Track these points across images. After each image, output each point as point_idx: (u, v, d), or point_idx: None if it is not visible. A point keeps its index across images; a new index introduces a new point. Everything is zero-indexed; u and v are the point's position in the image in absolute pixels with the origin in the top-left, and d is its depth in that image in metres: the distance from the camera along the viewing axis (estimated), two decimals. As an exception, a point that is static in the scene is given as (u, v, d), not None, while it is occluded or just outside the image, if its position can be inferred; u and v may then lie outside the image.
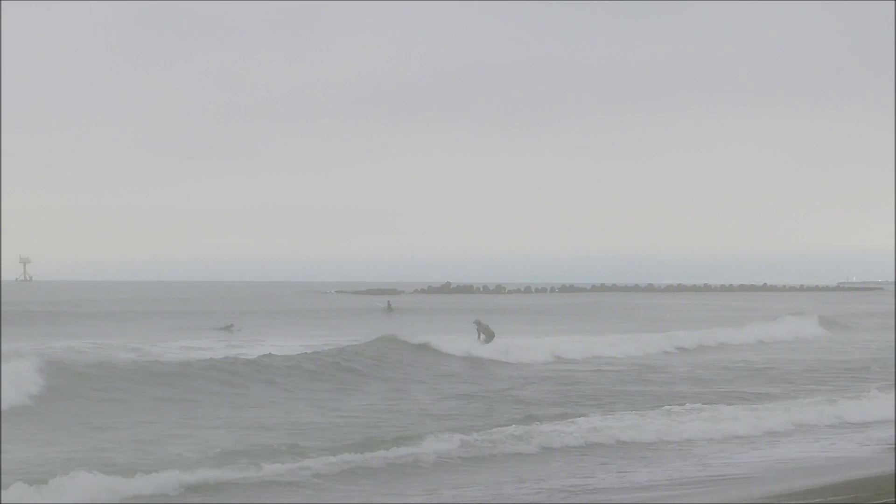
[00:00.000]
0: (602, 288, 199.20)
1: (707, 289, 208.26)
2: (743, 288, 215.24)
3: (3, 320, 59.49)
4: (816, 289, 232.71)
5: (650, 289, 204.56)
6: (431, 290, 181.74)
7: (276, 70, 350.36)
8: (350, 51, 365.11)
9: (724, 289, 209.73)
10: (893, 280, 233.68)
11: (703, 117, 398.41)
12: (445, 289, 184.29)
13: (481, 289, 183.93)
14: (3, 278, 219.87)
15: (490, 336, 42.34)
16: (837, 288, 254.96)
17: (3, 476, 15.44)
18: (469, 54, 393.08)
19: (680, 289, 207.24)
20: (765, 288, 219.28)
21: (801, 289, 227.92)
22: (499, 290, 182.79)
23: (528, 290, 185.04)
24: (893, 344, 48.36)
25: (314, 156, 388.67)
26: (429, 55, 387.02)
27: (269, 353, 35.20)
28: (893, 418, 23.60)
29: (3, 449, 18.32)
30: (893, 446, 19.46)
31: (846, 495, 13.29)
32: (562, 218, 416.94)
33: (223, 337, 58.00)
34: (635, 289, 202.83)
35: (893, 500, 11.90)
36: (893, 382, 31.83)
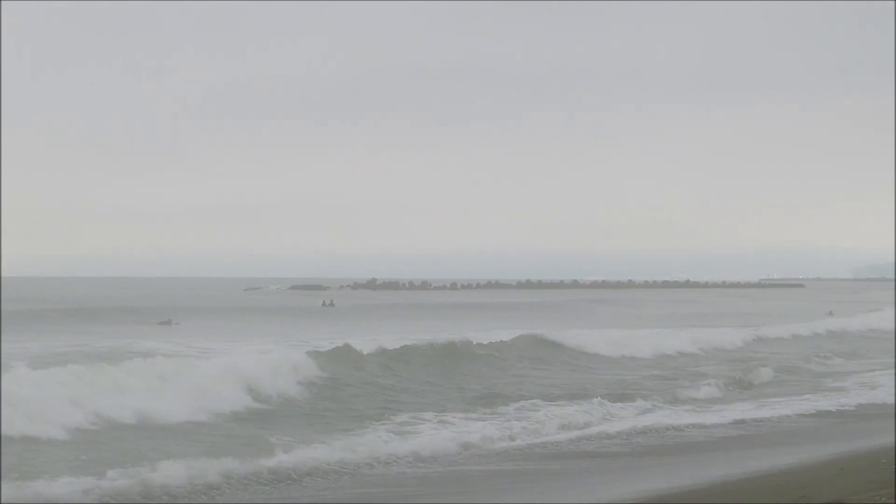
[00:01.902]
0: (528, 284, 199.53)
1: (631, 285, 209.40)
2: (666, 285, 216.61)
3: None
4: (738, 285, 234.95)
5: (575, 285, 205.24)
6: (357, 286, 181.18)
7: (207, 69, 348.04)
8: (278, 50, 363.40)
9: (647, 286, 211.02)
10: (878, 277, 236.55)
11: (630, 117, 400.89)
12: (371, 285, 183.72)
13: (407, 285, 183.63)
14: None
15: None
16: (759, 284, 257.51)
17: None
18: (396, 53, 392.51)
19: (604, 285, 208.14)
20: (688, 285, 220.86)
21: (724, 285, 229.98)
22: (424, 286, 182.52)
23: (453, 286, 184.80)
24: None
25: (243, 153, 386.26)
26: (355, 54, 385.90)
27: (502, 340, 41.13)
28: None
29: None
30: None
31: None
32: (487, 215, 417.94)
33: (163, 332, 57.88)
34: (560, 285, 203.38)
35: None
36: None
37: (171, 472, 16.09)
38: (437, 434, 21.81)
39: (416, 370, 33.01)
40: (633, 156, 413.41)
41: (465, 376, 33.20)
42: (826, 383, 33.73)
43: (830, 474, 14.20)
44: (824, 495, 11.77)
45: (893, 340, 48.88)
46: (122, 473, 16.17)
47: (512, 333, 44.19)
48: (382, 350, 34.79)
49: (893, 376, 33.95)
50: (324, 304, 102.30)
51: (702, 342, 46.49)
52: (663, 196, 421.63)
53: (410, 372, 32.57)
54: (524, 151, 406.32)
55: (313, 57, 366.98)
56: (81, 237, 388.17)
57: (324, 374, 29.54)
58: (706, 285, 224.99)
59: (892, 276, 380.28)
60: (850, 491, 11.91)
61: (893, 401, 28.20)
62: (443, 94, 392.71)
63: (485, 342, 39.92)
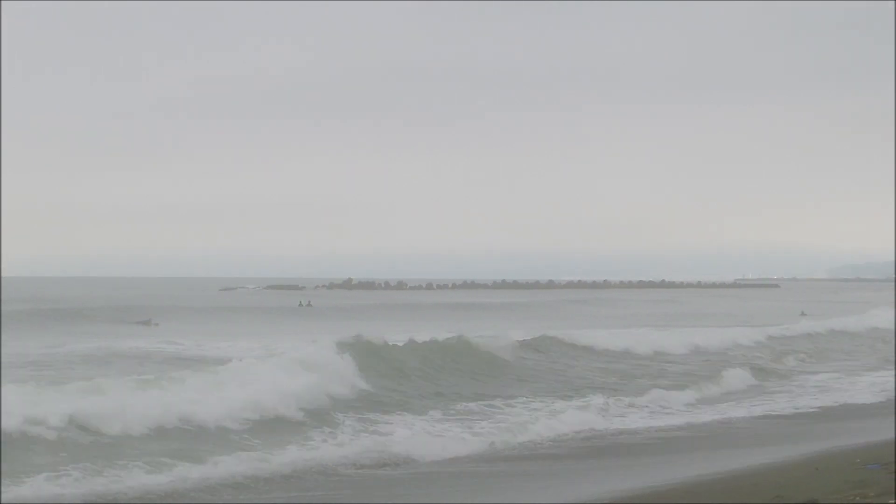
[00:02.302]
0: (504, 285, 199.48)
1: (607, 285, 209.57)
2: (642, 285, 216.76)
3: None
4: (714, 285, 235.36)
5: (551, 286, 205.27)
6: (333, 286, 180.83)
7: (186, 69, 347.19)
8: (262, 51, 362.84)
9: (623, 286, 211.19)
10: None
11: (608, 118, 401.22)
12: (347, 285, 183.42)
13: (383, 285, 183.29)
14: None
15: None
16: (734, 284, 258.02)
17: None
18: (375, 55, 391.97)
19: (580, 285, 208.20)
20: (663, 285, 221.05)
21: (700, 285, 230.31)
22: (400, 286, 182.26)
23: (429, 286, 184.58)
24: None
25: (219, 154, 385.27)
26: (336, 56, 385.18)
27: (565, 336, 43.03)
28: None
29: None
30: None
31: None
32: (463, 215, 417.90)
33: (143, 332, 57.61)
34: (536, 286, 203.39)
35: None
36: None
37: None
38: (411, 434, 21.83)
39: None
40: (609, 157, 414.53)
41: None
42: (800, 384, 33.86)
43: (805, 474, 14.23)
44: (799, 495, 11.79)
45: (894, 341, 49.49)
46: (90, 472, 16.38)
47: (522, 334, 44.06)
48: (408, 345, 34.37)
49: (893, 376, 34.33)
50: (300, 305, 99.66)
51: (711, 342, 46.60)
52: (639, 197, 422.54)
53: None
54: (501, 153, 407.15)
55: (295, 58, 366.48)
56: (57, 237, 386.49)
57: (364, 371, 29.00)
58: (682, 285, 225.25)
59: (868, 277, 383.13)
60: (824, 491, 11.94)
61: (863, 402, 28.52)
62: (423, 97, 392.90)
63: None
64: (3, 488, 15.26)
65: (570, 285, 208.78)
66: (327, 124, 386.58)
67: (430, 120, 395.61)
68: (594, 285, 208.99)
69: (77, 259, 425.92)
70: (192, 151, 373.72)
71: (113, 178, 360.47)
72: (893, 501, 10.85)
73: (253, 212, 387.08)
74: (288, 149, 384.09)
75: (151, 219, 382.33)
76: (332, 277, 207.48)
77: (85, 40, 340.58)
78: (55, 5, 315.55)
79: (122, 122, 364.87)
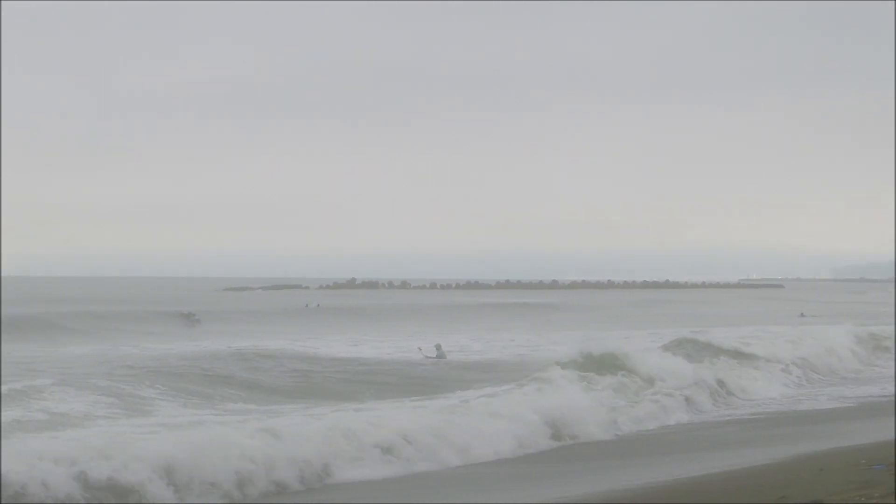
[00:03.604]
0: (507, 284, 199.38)
1: (610, 286, 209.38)
2: (646, 285, 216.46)
3: None
4: (718, 285, 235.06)
5: (554, 286, 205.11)
6: (337, 285, 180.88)
7: (157, 70, 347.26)
8: (228, 51, 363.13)
9: (626, 286, 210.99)
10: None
11: (602, 116, 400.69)
12: (351, 285, 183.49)
13: (386, 285, 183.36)
14: None
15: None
16: (739, 285, 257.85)
17: None
18: (357, 53, 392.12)
19: (584, 285, 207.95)
20: (668, 285, 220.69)
21: (704, 286, 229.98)
22: (404, 286, 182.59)
23: (433, 286, 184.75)
24: None
25: (217, 152, 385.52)
26: (317, 54, 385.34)
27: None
28: None
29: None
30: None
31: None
32: (459, 214, 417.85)
33: (189, 330, 59.88)
34: (540, 286, 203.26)
35: None
36: None
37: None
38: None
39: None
40: (606, 157, 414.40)
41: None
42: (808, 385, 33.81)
43: (810, 474, 14.11)
44: (804, 495, 11.69)
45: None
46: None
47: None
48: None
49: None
50: (307, 307, 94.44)
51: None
52: (635, 196, 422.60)
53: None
54: (498, 152, 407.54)
55: (267, 58, 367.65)
56: (51, 235, 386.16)
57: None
58: (686, 285, 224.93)
59: (872, 278, 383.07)
60: (829, 491, 11.83)
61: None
62: (421, 96, 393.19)
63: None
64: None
65: (574, 285, 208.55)
66: (324, 124, 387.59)
67: (427, 119, 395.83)
68: (598, 285, 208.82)
69: (63, 259, 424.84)
70: (188, 151, 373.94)
71: (107, 178, 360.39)
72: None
73: (251, 211, 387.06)
74: (286, 148, 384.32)
75: (149, 218, 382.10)
76: (333, 277, 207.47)
77: (82, 40, 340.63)
78: (54, 5, 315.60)
79: (113, 122, 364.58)
